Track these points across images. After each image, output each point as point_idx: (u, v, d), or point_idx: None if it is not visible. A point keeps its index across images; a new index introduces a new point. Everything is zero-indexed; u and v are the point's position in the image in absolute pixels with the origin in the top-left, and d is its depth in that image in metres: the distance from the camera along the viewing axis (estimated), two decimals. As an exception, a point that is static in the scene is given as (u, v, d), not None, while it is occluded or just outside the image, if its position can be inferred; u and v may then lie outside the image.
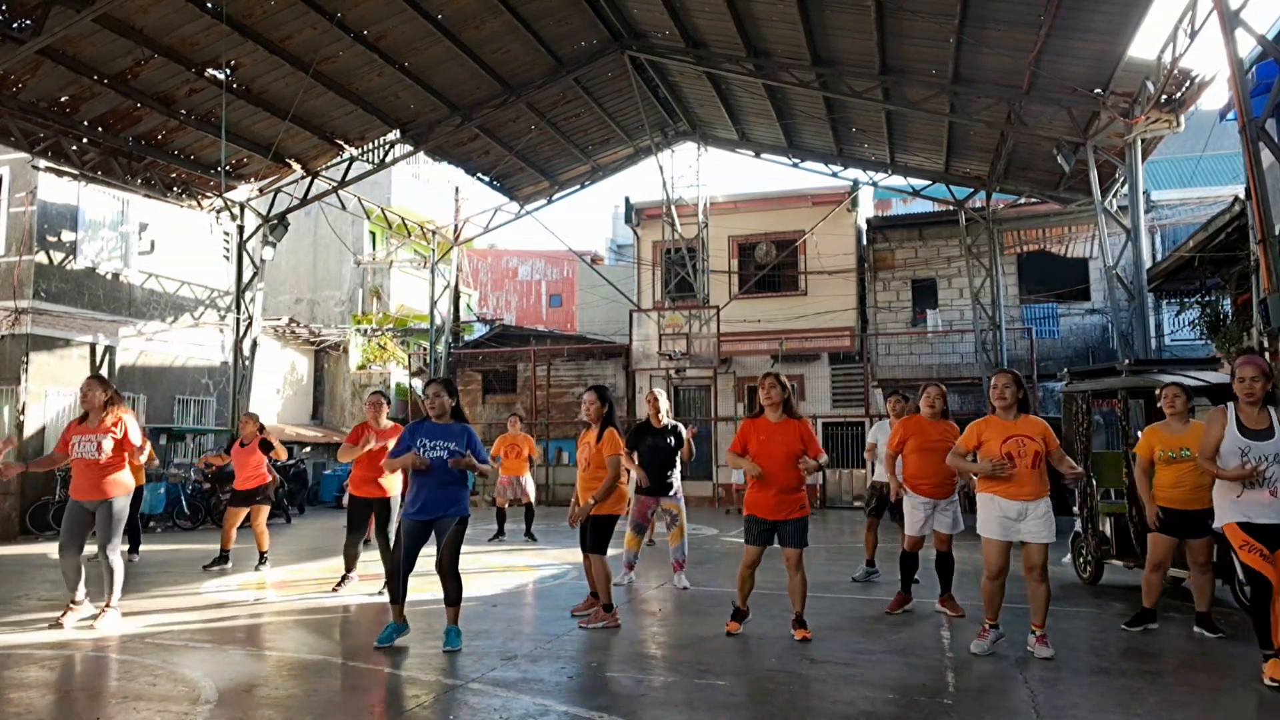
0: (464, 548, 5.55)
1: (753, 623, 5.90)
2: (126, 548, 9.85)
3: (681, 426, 7.79)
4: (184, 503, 14.66)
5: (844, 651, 5.36)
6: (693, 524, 14.45)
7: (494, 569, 9.17)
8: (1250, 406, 4.74)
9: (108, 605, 6.17)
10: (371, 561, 8.29)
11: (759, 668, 5.00)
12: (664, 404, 7.59)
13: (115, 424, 6.25)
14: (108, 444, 6.15)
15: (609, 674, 4.93)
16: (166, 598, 7.50)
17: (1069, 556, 8.42)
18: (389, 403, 8.00)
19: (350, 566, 7.77)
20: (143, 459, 6.41)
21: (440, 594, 5.46)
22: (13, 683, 4.75)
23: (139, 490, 9.22)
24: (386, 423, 7.77)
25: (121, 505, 6.25)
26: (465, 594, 5.56)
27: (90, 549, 6.28)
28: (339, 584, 7.74)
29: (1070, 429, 8.36)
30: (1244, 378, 4.72)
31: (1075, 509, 8.23)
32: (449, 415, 5.58)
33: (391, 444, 7.52)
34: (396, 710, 4.26)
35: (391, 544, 7.51)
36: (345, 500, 8.91)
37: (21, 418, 14.02)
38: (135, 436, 6.37)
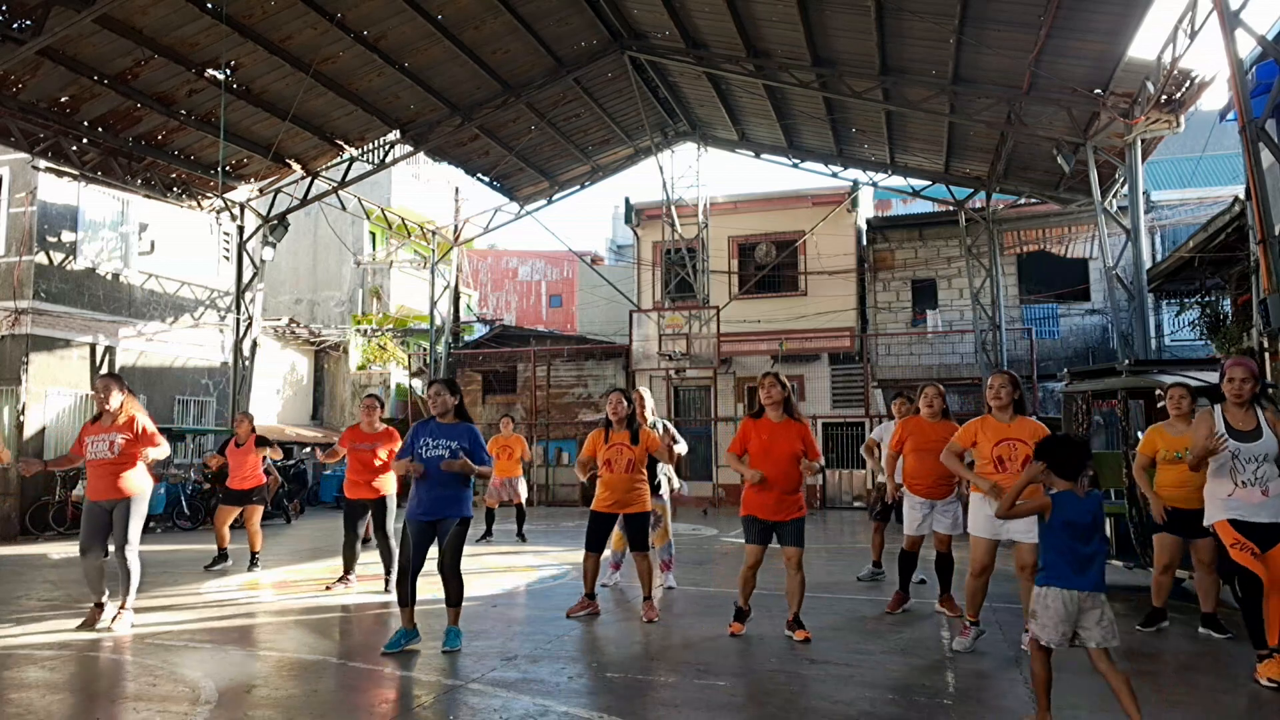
0: (470, 549, 5.56)
1: (753, 623, 5.90)
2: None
3: (670, 426, 7.88)
4: (184, 503, 14.65)
5: (844, 651, 5.36)
6: (692, 524, 14.45)
7: (494, 569, 9.17)
8: (1237, 408, 4.84)
9: (123, 606, 6.15)
10: (372, 563, 8.29)
11: (759, 668, 4.99)
12: (650, 404, 7.66)
13: (128, 421, 6.25)
14: (120, 441, 6.15)
15: (609, 674, 4.93)
16: (166, 598, 7.50)
17: (1069, 557, 8.40)
18: (382, 405, 8.04)
19: (349, 567, 7.83)
20: (161, 451, 6.43)
21: (439, 594, 5.46)
22: (13, 683, 4.75)
23: None
24: (379, 425, 7.82)
25: (139, 504, 6.23)
26: (465, 594, 5.56)
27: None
28: (334, 582, 7.79)
29: (1070, 429, 8.36)
30: (1234, 378, 4.82)
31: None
32: (452, 414, 5.56)
33: (381, 448, 7.60)
34: (396, 710, 4.26)
35: (390, 544, 7.58)
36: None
37: (21, 418, 14.02)
38: (150, 426, 6.38)
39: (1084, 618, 3.65)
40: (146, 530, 13.78)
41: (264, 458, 9.52)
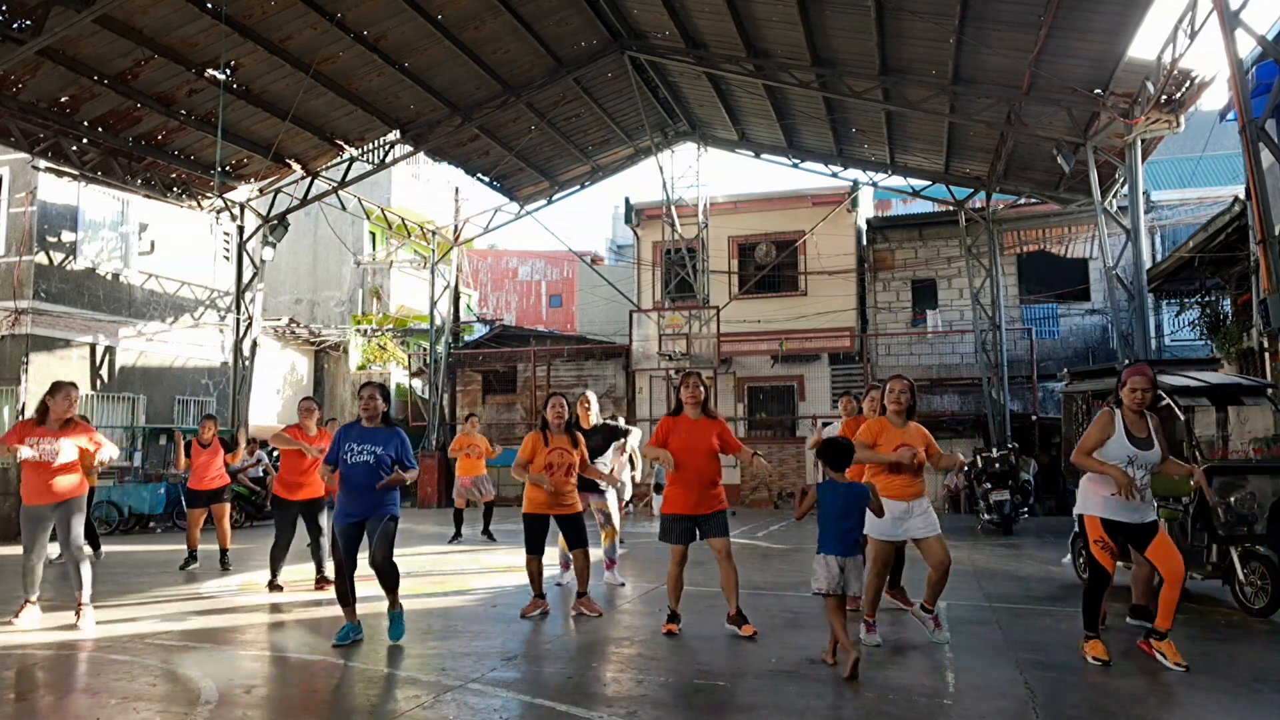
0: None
1: (753, 623, 5.88)
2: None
3: (619, 425, 8.09)
4: (184, 503, 14.63)
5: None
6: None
7: (494, 569, 9.16)
8: (1135, 415, 4.99)
9: (82, 603, 6.19)
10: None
11: (759, 668, 4.99)
12: (594, 407, 7.95)
13: (81, 427, 6.40)
14: (69, 448, 6.23)
15: (609, 674, 4.93)
16: (166, 598, 7.50)
17: (1069, 556, 8.41)
18: (320, 408, 8.17)
19: (276, 572, 7.70)
20: (110, 454, 6.58)
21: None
22: (13, 683, 4.75)
23: (90, 492, 9.25)
24: (314, 429, 7.90)
25: (81, 503, 6.38)
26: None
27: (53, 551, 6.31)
28: (272, 587, 7.66)
29: (1070, 429, 8.37)
30: (1136, 388, 4.95)
31: (1075, 509, 8.22)
32: (380, 419, 5.62)
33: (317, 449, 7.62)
34: (397, 710, 4.26)
35: (324, 544, 7.67)
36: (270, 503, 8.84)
37: (21, 418, 14.01)
38: (99, 437, 6.52)
39: (846, 574, 4.76)
40: (147, 530, 13.87)
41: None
